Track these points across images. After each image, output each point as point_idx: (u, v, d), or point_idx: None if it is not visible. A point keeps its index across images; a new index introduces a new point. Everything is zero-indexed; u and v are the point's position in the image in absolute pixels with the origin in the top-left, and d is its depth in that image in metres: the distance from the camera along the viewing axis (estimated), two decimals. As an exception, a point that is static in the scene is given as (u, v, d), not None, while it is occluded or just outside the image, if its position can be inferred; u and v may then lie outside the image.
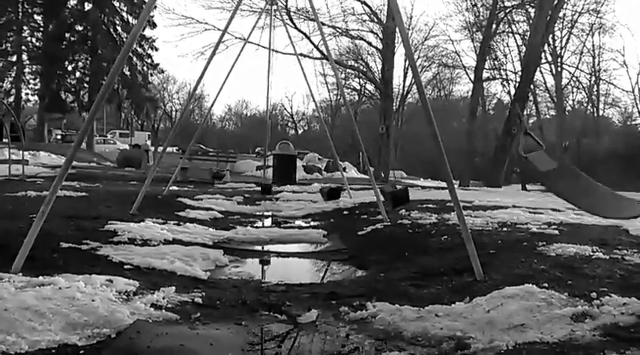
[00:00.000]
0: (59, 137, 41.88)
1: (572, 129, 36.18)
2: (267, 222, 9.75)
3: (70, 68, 33.63)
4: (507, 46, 32.43)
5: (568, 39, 32.68)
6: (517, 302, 3.66)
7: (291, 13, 23.00)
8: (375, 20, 25.60)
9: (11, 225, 5.94)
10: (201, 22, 24.11)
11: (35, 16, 35.32)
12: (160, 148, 15.57)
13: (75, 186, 11.62)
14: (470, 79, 31.43)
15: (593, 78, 35.86)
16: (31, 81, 35.98)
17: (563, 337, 3.09)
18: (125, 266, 4.87)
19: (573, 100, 40.01)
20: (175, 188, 12.62)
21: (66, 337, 3.03)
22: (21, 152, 16.42)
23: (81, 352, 2.89)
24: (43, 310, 3.24)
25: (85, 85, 33.54)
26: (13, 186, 11.17)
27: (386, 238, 6.94)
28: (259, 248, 6.97)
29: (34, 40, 35.69)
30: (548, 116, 40.37)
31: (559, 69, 33.76)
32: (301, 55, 18.89)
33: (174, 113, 60.73)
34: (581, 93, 38.48)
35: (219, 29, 22.20)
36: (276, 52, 18.45)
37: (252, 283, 4.94)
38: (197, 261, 5.53)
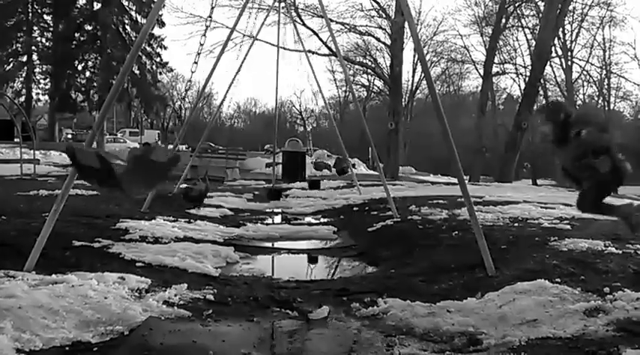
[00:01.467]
0: (70, 136, 42.12)
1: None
2: (277, 218, 9.76)
3: (79, 68, 33.76)
4: (517, 40, 32.26)
5: (578, 32, 32.44)
6: (529, 297, 3.64)
7: (300, 10, 22.98)
8: (384, 16, 25.54)
9: (24, 224, 5.99)
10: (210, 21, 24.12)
11: (45, 17, 35.52)
12: (170, 147, 15.61)
13: (86, 185, 11.68)
14: (479, 74, 31.32)
15: (604, 71, 35.55)
16: (42, 81, 36.21)
17: (577, 332, 3.07)
18: (137, 264, 4.90)
19: (584, 94, 39.65)
20: (185, 186, 12.65)
21: (79, 334, 3.05)
22: (32, 151, 16.54)
23: (94, 349, 2.91)
24: (56, 308, 3.28)
25: (95, 84, 33.69)
26: (25, 185, 11.26)
27: (396, 234, 6.93)
28: (270, 245, 6.98)
29: (43, 40, 35.89)
30: (558, 110, 40.02)
31: (569, 63, 33.51)
32: (309, 51, 18.88)
33: (183, 111, 60.88)
34: (591, 87, 38.20)
35: (227, 27, 22.21)
36: (285, 49, 18.47)
37: (263, 280, 4.96)
38: (208, 258, 5.55)
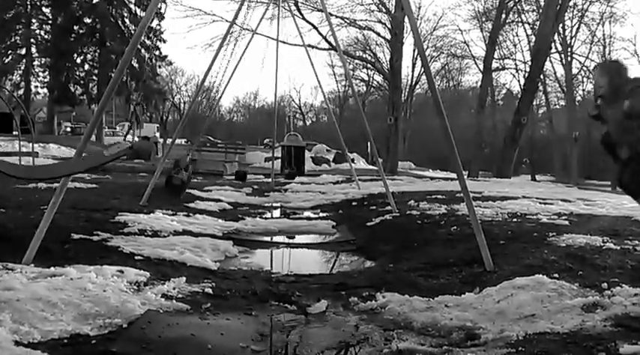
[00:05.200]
0: (69, 129, 42.03)
1: (582, 120, 35.90)
2: (276, 213, 9.77)
3: (78, 61, 33.63)
4: (517, 35, 32.26)
5: (578, 28, 32.38)
6: (527, 292, 3.65)
7: (299, 4, 22.91)
8: (384, 10, 25.48)
9: (22, 217, 5.99)
10: (209, 14, 24.10)
11: (44, 9, 35.34)
12: (169, 140, 15.60)
13: (85, 178, 11.67)
14: (479, 69, 31.30)
15: (604, 67, 35.47)
16: (41, 74, 36.05)
17: (574, 327, 3.08)
18: (136, 257, 4.90)
19: (583, 90, 39.61)
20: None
21: (78, 327, 3.05)
22: (31, 144, 16.50)
23: (93, 342, 2.91)
24: (55, 300, 3.27)
25: (94, 77, 33.57)
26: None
27: (395, 229, 6.93)
28: (268, 239, 6.99)
29: (42, 33, 35.69)
30: (558, 106, 40.10)
31: (569, 58, 33.47)
32: (309, 46, 18.83)
33: (182, 105, 60.77)
34: (591, 82, 38.07)
35: (227, 21, 22.18)
36: (284, 43, 18.43)
37: (262, 273, 4.96)
38: (207, 251, 5.55)
